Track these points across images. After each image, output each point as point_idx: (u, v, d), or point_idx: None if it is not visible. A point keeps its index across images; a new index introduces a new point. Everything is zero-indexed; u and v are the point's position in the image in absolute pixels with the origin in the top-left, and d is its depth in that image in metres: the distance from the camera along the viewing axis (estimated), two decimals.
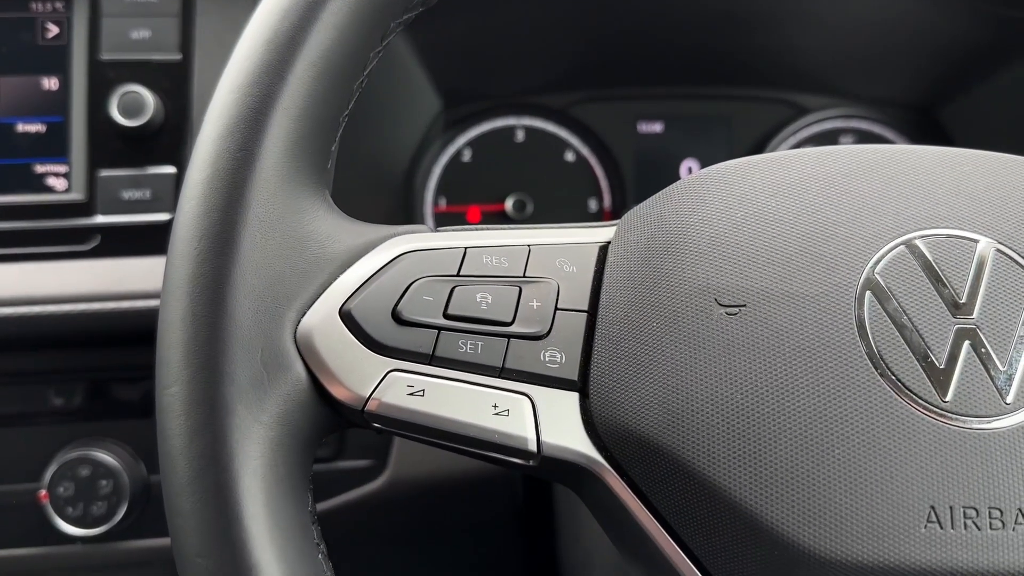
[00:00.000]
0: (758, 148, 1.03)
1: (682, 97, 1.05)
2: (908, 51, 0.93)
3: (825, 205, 0.39)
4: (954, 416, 0.35)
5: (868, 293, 0.37)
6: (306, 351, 0.39)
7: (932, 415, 0.35)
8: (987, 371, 0.36)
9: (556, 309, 0.40)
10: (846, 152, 0.41)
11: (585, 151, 1.04)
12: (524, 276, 0.41)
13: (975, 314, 0.37)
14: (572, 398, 0.39)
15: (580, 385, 0.39)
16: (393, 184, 1.00)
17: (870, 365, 0.36)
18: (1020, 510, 0.34)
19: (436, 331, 0.39)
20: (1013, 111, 0.91)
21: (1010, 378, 0.36)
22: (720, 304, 0.38)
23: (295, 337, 0.39)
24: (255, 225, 0.39)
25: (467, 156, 1.05)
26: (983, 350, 0.36)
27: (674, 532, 0.37)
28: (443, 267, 0.41)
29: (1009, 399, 0.35)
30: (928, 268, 0.37)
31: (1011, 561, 0.34)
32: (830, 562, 0.34)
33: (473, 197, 1.04)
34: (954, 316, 0.37)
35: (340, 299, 0.40)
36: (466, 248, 0.41)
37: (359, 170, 0.90)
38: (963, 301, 0.37)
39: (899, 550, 0.34)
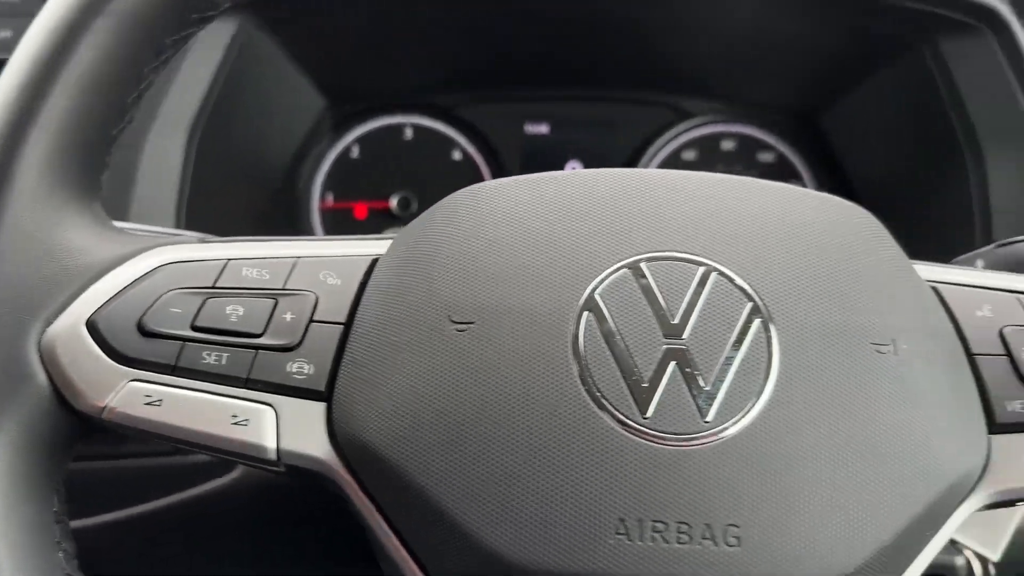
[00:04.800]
0: (640, 151, 1.04)
1: (568, 99, 1.06)
2: (784, 57, 0.95)
3: (561, 227, 0.41)
4: (652, 433, 0.37)
5: (587, 313, 0.39)
6: (48, 360, 0.40)
7: (630, 431, 0.37)
8: (690, 390, 0.37)
9: (311, 321, 0.41)
10: (590, 176, 0.43)
11: (472, 150, 1.06)
12: (283, 289, 0.42)
13: (685, 335, 0.38)
14: (319, 408, 0.40)
15: (327, 395, 0.40)
16: (273, 181, 1.00)
17: (579, 383, 0.37)
18: (708, 525, 0.36)
19: (181, 342, 0.40)
20: (885, 116, 0.94)
21: (711, 398, 0.37)
22: (452, 321, 0.39)
23: (39, 346, 0.40)
24: (7, 235, 0.40)
25: (355, 153, 1.05)
26: (688, 370, 0.38)
27: (401, 536, 0.39)
28: (199, 279, 0.42)
29: (708, 418, 0.37)
30: (647, 290, 0.39)
31: (689, 573, 0.35)
32: (523, 569, 0.36)
33: (360, 194, 1.05)
34: (665, 337, 0.38)
35: (89, 309, 0.41)
36: (228, 260, 0.42)
37: (233, 169, 0.91)
38: (675, 322, 0.38)
39: (587, 559, 0.36)
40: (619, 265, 0.40)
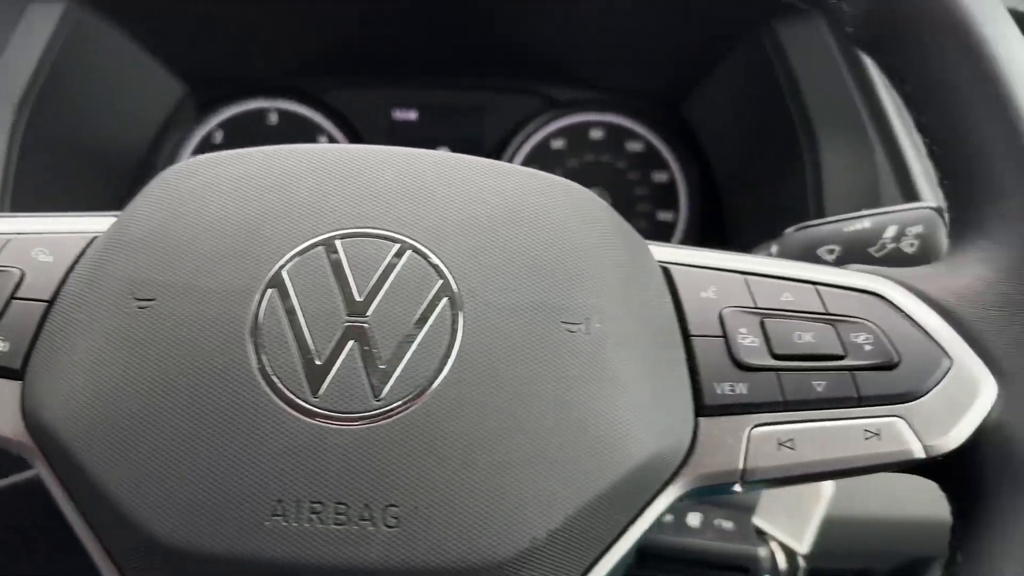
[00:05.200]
0: (509, 138, 1.03)
1: (437, 85, 1.04)
2: (643, 44, 0.94)
3: (258, 204, 0.39)
4: (320, 413, 0.35)
5: (271, 291, 0.37)
6: None
7: (298, 411, 0.35)
8: (366, 370, 0.36)
9: (12, 298, 0.40)
10: (295, 151, 0.41)
11: (339, 136, 1.04)
12: None
13: (369, 313, 0.37)
14: (13, 387, 0.39)
15: (21, 373, 0.39)
16: (128, 168, 0.98)
17: (253, 361, 0.36)
18: (367, 505, 0.34)
19: None
20: (736, 103, 0.93)
21: (387, 377, 0.36)
22: (136, 298, 0.38)
23: None
24: None
25: (219, 138, 1.03)
26: (367, 348, 0.36)
27: (86, 516, 0.37)
28: None
29: (380, 398, 0.36)
30: (336, 267, 0.38)
31: (345, 555, 0.34)
32: (177, 551, 0.34)
33: None
34: (348, 315, 0.37)
35: None
36: None
37: (75, 154, 0.89)
38: (360, 299, 0.37)
39: (241, 542, 0.34)
40: (312, 242, 0.38)
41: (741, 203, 0.97)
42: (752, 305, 0.41)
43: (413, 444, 0.35)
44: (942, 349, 0.39)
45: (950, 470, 0.40)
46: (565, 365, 0.37)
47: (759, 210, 0.88)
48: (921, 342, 0.39)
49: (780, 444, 0.38)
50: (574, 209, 0.41)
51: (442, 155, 0.42)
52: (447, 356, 0.36)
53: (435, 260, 0.38)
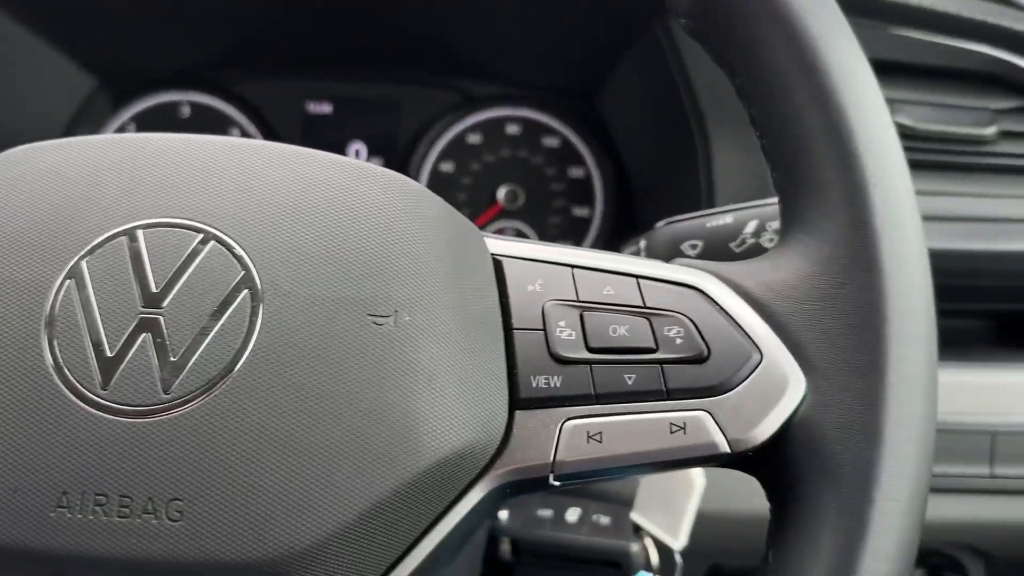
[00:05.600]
0: (424, 132, 1.02)
1: (352, 79, 1.04)
2: (552, 38, 0.94)
3: (67, 193, 0.39)
4: (109, 405, 0.35)
5: (69, 282, 0.37)
6: None
7: (87, 404, 0.35)
8: (158, 362, 0.35)
9: None
10: (110, 141, 0.41)
11: (252, 129, 1.03)
12: None
13: (165, 304, 0.36)
14: None
15: None
16: None
17: (46, 353, 0.35)
18: (151, 499, 0.34)
19: None
20: (640, 96, 0.93)
21: (178, 370, 0.35)
22: None
23: None
24: None
25: (131, 131, 1.02)
26: (159, 340, 0.36)
27: None
28: None
29: (170, 391, 0.35)
30: (136, 258, 0.37)
31: (127, 548, 0.34)
32: None
33: None
34: (144, 306, 0.36)
35: None
36: None
37: None
38: (156, 291, 0.36)
39: (24, 533, 0.34)
40: (114, 232, 0.38)
41: (649, 198, 0.97)
42: (575, 298, 0.40)
43: (200, 438, 0.35)
44: (754, 343, 0.39)
45: (763, 466, 0.40)
46: (369, 358, 0.37)
47: (664, 205, 0.88)
48: (733, 336, 0.39)
49: (589, 437, 0.38)
50: (392, 201, 0.40)
51: (259, 144, 0.41)
52: (243, 349, 0.36)
53: (239, 251, 0.38)
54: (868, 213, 0.39)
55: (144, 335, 0.36)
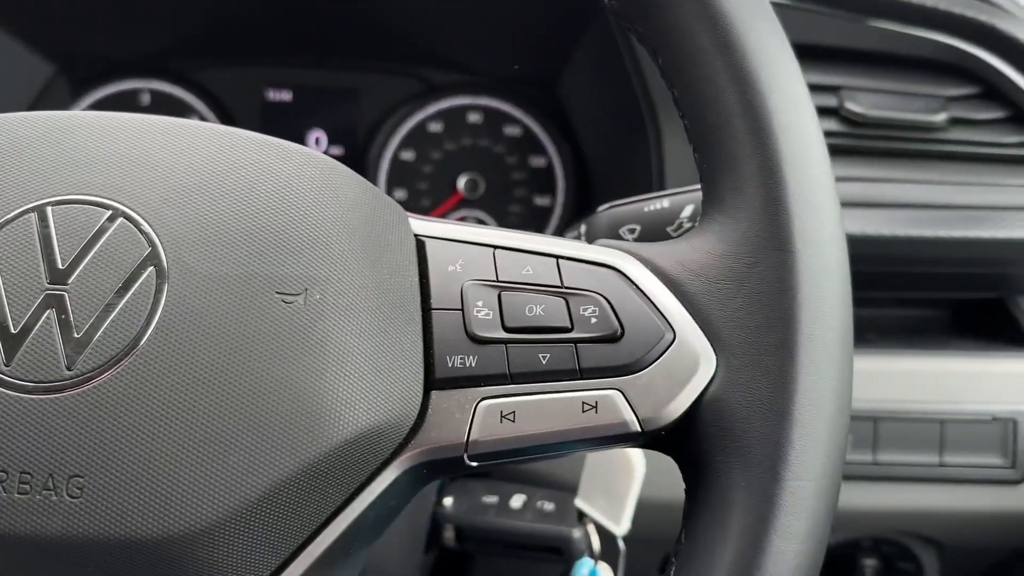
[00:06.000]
0: (384, 121, 1.02)
1: (312, 66, 1.03)
2: (506, 26, 0.94)
3: None
4: (11, 382, 0.35)
5: None
6: None
7: None
8: (62, 339, 0.35)
9: None
10: (26, 119, 0.40)
11: (211, 117, 1.02)
12: None
13: (71, 281, 0.36)
14: None
15: None
16: None
17: None
18: (51, 475, 0.34)
19: None
20: (596, 84, 0.93)
21: (82, 346, 0.35)
22: None
23: None
24: None
25: None
26: (64, 317, 0.35)
27: None
28: None
29: (72, 368, 0.35)
30: (44, 235, 0.37)
31: (27, 524, 0.33)
32: None
33: None
34: (49, 283, 0.36)
35: None
36: None
37: None
38: (63, 268, 0.36)
39: None
40: (23, 209, 0.37)
41: (607, 186, 0.97)
42: (494, 279, 0.40)
43: (102, 415, 0.34)
44: (667, 322, 0.39)
45: (677, 445, 0.40)
46: (275, 336, 0.36)
47: (620, 192, 0.88)
48: (647, 315, 0.39)
49: (503, 417, 0.38)
50: (307, 178, 0.40)
51: (173, 122, 0.41)
52: (147, 327, 0.36)
53: (146, 228, 0.37)
54: (781, 192, 0.39)
55: (49, 311, 0.36)
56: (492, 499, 0.67)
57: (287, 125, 1.03)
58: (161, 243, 0.37)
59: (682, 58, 0.42)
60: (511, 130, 1.03)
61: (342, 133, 1.03)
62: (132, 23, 0.97)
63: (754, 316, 0.38)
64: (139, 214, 0.38)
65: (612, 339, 0.39)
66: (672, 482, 0.41)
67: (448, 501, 0.68)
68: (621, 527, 0.63)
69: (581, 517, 0.65)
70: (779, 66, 0.41)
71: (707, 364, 0.38)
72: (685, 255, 0.41)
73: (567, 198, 1.03)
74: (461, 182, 1.02)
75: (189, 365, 0.35)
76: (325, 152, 0.92)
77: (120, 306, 0.36)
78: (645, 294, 0.40)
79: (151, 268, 0.37)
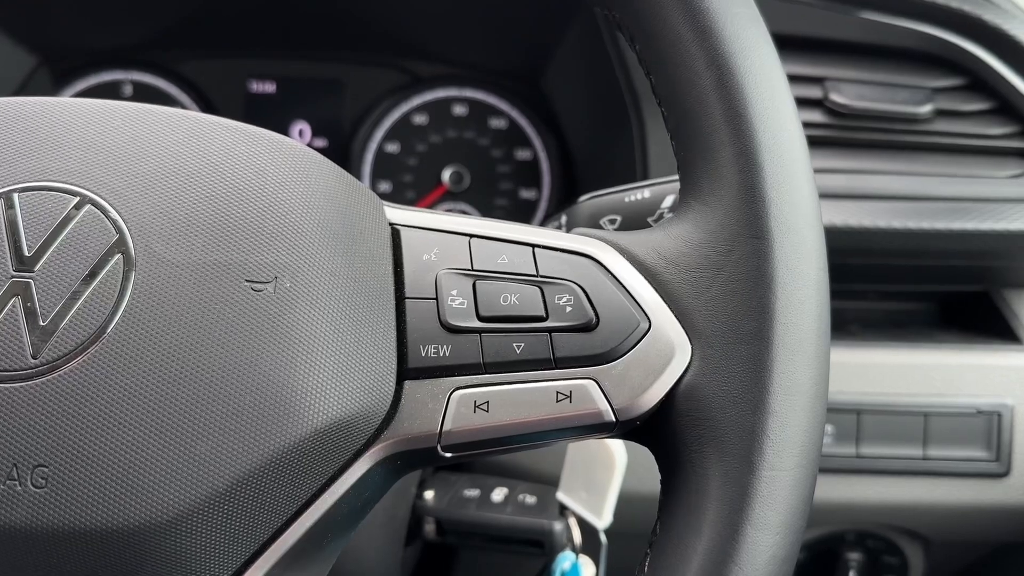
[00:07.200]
0: (368, 113, 1.01)
1: (297, 58, 1.02)
2: (491, 18, 0.93)
3: None
4: None
5: None
6: None
7: None
8: (27, 327, 0.35)
9: None
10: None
11: (194, 108, 1.01)
12: None
13: (37, 268, 0.35)
14: None
15: None
16: None
17: None
18: (15, 466, 0.33)
19: None
20: (581, 76, 0.92)
21: (47, 335, 0.34)
22: None
23: None
24: None
25: None
26: (29, 305, 0.35)
27: None
28: None
29: (38, 356, 0.34)
30: (11, 221, 0.36)
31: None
32: None
33: None
34: (16, 270, 0.35)
35: None
36: None
37: None
38: (29, 255, 0.36)
39: None
40: None
41: (592, 177, 0.96)
42: (469, 267, 0.40)
43: (67, 403, 0.34)
44: (643, 311, 0.39)
45: (652, 436, 0.39)
46: (244, 325, 0.36)
47: (605, 184, 0.88)
48: (622, 304, 0.39)
49: (477, 407, 0.38)
50: (278, 165, 0.39)
51: (142, 108, 0.40)
52: (113, 315, 0.35)
53: (114, 215, 0.37)
54: (758, 179, 0.38)
55: (14, 299, 0.35)
56: (473, 492, 0.66)
57: (271, 117, 1.02)
58: (129, 230, 0.36)
59: (659, 44, 0.42)
60: (496, 122, 1.03)
61: (326, 125, 1.02)
62: (114, 14, 0.96)
63: (730, 304, 0.37)
64: (107, 201, 0.37)
65: (587, 328, 0.38)
66: (654, 475, 0.40)
67: (429, 494, 0.67)
68: (603, 520, 0.63)
69: (562, 510, 0.65)
70: (757, 52, 0.40)
71: (682, 353, 0.38)
72: (662, 243, 0.40)
73: (553, 191, 1.03)
74: (446, 175, 1.02)
75: (156, 354, 0.35)
76: (309, 144, 0.91)
77: (87, 294, 0.35)
78: (621, 283, 0.39)
79: (118, 255, 0.36)
